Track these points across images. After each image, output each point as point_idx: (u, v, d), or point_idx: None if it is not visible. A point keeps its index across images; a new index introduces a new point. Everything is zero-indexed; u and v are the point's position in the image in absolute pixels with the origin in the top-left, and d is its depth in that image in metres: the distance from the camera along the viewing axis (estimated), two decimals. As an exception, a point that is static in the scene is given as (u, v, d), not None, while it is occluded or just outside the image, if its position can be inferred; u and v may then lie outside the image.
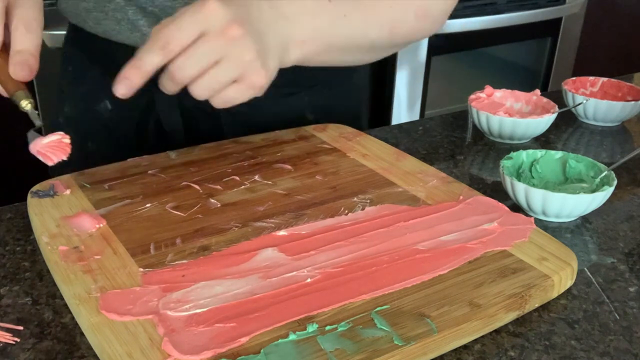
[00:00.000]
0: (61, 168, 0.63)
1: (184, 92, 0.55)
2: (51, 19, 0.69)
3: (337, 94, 0.86)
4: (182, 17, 0.51)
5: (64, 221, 0.59)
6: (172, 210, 0.62)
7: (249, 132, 0.77)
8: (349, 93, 0.89)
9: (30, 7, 0.54)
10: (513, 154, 0.71)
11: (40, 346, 0.48)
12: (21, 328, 0.49)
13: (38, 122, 0.56)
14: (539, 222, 0.65)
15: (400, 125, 0.90)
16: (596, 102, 0.89)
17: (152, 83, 0.55)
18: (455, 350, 0.48)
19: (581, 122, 0.92)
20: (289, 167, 0.70)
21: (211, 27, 0.52)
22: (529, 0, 2.10)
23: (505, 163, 0.69)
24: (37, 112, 0.56)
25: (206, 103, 0.56)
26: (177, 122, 0.79)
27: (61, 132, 0.58)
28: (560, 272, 0.54)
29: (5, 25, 0.55)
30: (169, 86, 0.54)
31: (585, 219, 0.67)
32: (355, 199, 0.65)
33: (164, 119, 0.79)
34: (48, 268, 0.55)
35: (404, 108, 2.04)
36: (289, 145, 0.75)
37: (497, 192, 0.71)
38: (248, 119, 0.77)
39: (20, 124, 0.70)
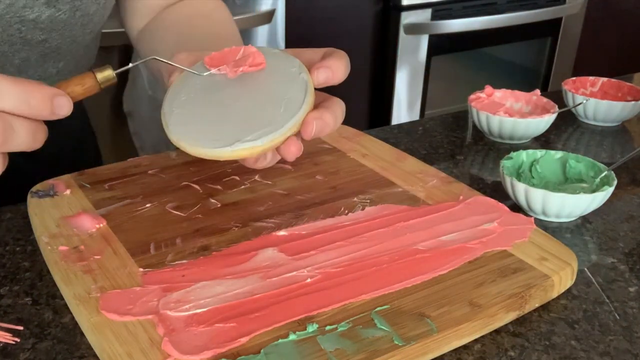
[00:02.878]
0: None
1: None
2: None
3: None
4: None
5: (64, 221, 0.59)
6: (172, 210, 0.62)
7: None
8: None
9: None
10: (513, 154, 0.71)
11: (40, 346, 0.48)
12: (21, 328, 0.49)
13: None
14: (539, 222, 0.65)
15: (400, 125, 0.90)
16: (596, 102, 0.89)
17: None
18: (455, 350, 0.48)
19: (581, 122, 0.92)
20: (289, 167, 0.70)
21: None
22: (529, 0, 2.10)
23: (505, 163, 0.69)
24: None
25: None
26: None
27: None
28: (560, 272, 0.54)
29: None
30: None
31: (585, 219, 0.67)
32: (355, 199, 0.64)
33: None
34: (48, 268, 0.55)
35: (404, 108, 2.04)
36: (289, 145, 0.75)
37: (497, 192, 0.71)
38: None
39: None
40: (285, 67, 0.50)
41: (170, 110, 0.50)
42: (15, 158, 0.75)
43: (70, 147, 0.84)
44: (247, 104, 0.49)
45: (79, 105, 0.84)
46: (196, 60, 0.54)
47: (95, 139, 0.95)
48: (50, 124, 0.78)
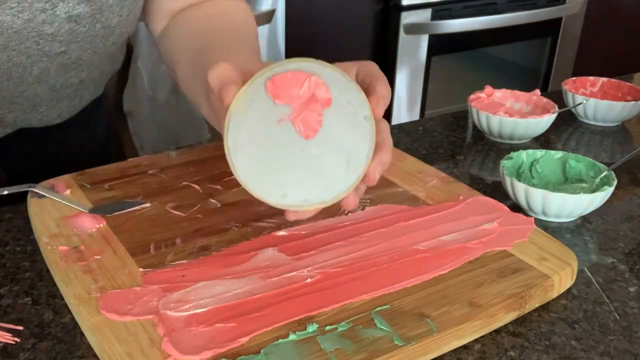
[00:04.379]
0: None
1: None
2: None
3: None
4: None
5: (64, 221, 0.59)
6: (172, 210, 0.62)
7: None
8: None
9: None
10: (513, 154, 0.71)
11: (40, 346, 0.48)
12: (21, 328, 0.49)
13: None
14: (539, 222, 0.65)
15: (400, 125, 0.90)
16: (596, 102, 0.89)
17: None
18: (455, 350, 0.48)
19: (581, 122, 0.92)
20: (289, 167, 0.70)
21: None
22: (529, 0, 2.10)
23: (505, 163, 0.69)
24: None
25: None
26: None
27: None
28: (560, 272, 0.54)
29: None
30: None
31: (585, 219, 0.67)
32: (355, 199, 0.64)
33: None
34: (48, 268, 0.55)
35: (404, 108, 2.04)
36: (289, 145, 0.75)
37: (497, 192, 0.71)
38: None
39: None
40: (346, 100, 0.47)
41: (235, 148, 0.47)
42: (43, 159, 0.76)
43: (94, 151, 0.84)
44: (311, 150, 0.47)
45: (101, 111, 0.83)
46: (242, 75, 0.48)
47: (119, 144, 0.95)
48: (76, 129, 0.79)
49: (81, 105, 0.77)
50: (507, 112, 0.85)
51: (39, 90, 0.67)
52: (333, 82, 0.47)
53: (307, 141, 0.47)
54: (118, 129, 0.95)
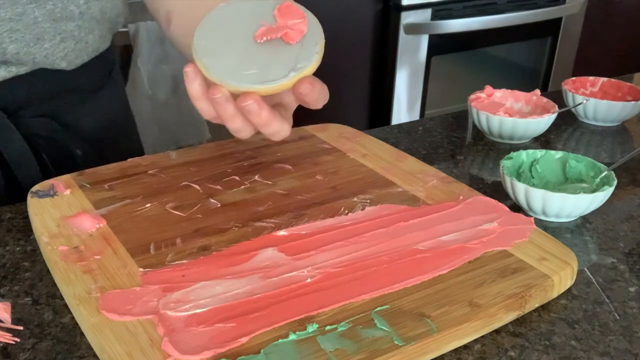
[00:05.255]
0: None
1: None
2: None
3: None
4: None
5: (64, 221, 0.59)
6: (172, 210, 0.62)
7: None
8: None
9: None
10: (513, 154, 0.71)
11: (40, 346, 0.48)
12: (21, 328, 0.49)
13: None
14: (539, 222, 0.65)
15: (400, 125, 0.90)
16: (596, 102, 0.89)
17: None
18: (455, 350, 0.48)
19: (581, 122, 0.92)
20: (289, 167, 0.70)
21: None
22: (529, 0, 2.10)
23: (505, 163, 0.69)
24: None
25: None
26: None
27: None
28: (560, 272, 0.54)
29: None
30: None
31: (585, 219, 0.67)
32: (355, 199, 0.65)
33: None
34: (48, 268, 0.55)
35: (404, 108, 2.04)
36: (289, 145, 0.75)
37: (497, 192, 0.71)
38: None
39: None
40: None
41: (199, 38, 0.55)
42: (65, 143, 0.76)
43: (115, 135, 0.84)
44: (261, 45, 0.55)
45: (112, 84, 0.83)
46: None
47: (137, 133, 0.95)
48: (87, 93, 0.78)
49: (88, 53, 0.75)
50: (507, 112, 0.85)
51: (37, 15, 0.67)
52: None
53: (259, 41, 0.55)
54: (131, 116, 0.94)
